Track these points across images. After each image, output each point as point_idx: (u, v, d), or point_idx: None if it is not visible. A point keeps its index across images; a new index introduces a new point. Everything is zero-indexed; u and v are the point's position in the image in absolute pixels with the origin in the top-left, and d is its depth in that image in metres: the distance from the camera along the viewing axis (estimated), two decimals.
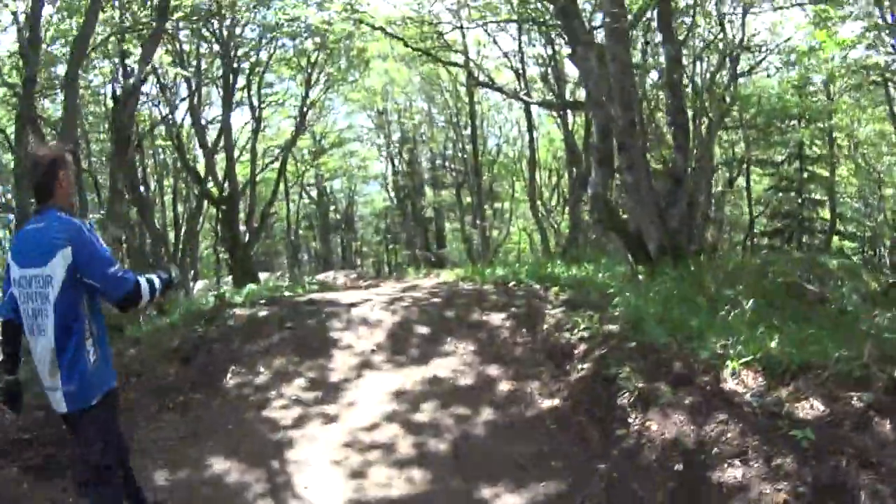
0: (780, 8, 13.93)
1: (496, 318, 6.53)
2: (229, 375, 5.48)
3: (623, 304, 5.89)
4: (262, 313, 6.88)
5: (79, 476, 3.25)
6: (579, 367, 5.07)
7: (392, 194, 32.18)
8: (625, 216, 8.74)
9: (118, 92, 13.60)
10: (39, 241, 2.93)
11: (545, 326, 6.07)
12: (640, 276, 7.18)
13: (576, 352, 5.32)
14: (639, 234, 7.79)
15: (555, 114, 18.73)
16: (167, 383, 5.29)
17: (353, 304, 7.23)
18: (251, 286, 9.07)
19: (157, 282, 3.17)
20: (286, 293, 8.63)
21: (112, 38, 13.09)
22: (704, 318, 5.09)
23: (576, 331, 5.57)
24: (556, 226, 23.83)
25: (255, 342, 6.11)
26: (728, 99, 16.11)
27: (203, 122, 17.68)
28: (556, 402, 4.82)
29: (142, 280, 3.07)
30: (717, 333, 4.67)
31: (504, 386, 5.19)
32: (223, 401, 5.05)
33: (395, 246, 36.03)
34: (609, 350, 4.93)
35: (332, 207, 37.22)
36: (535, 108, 20.68)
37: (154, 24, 10.97)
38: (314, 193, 34.43)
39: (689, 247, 8.46)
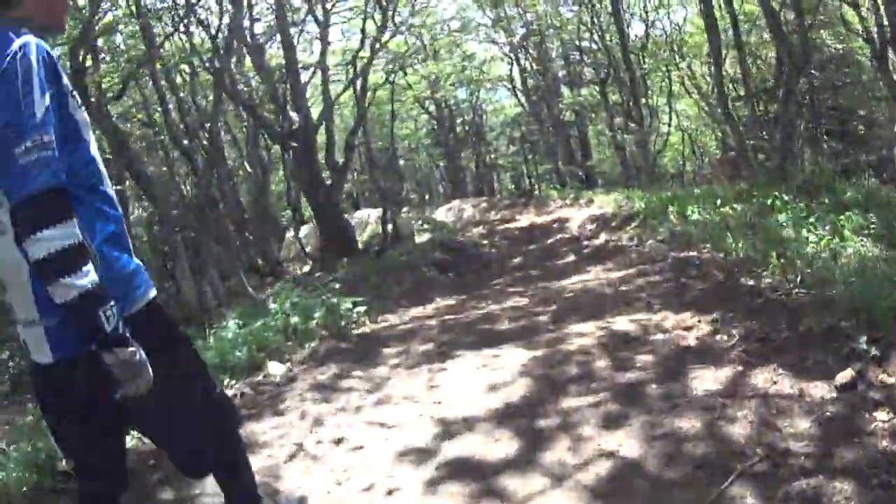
0: None
1: None
2: None
3: None
4: None
5: (178, 463, 2.04)
6: None
7: (523, 98, 26.79)
8: None
9: None
10: None
11: None
12: None
13: None
14: None
15: None
16: None
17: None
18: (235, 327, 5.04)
19: (98, 283, 1.54)
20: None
21: None
22: None
23: None
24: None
25: None
26: None
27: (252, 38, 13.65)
28: None
29: (76, 232, 1.52)
30: None
31: None
32: None
33: (534, 157, 30.88)
34: None
35: (458, 120, 32.48)
36: None
37: None
38: (432, 108, 29.91)
39: None
